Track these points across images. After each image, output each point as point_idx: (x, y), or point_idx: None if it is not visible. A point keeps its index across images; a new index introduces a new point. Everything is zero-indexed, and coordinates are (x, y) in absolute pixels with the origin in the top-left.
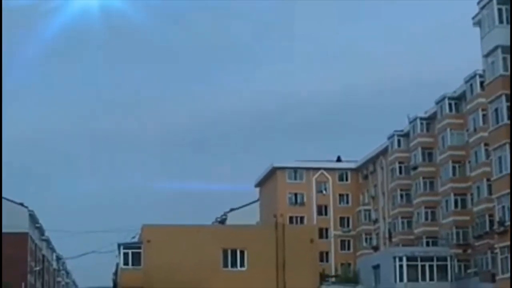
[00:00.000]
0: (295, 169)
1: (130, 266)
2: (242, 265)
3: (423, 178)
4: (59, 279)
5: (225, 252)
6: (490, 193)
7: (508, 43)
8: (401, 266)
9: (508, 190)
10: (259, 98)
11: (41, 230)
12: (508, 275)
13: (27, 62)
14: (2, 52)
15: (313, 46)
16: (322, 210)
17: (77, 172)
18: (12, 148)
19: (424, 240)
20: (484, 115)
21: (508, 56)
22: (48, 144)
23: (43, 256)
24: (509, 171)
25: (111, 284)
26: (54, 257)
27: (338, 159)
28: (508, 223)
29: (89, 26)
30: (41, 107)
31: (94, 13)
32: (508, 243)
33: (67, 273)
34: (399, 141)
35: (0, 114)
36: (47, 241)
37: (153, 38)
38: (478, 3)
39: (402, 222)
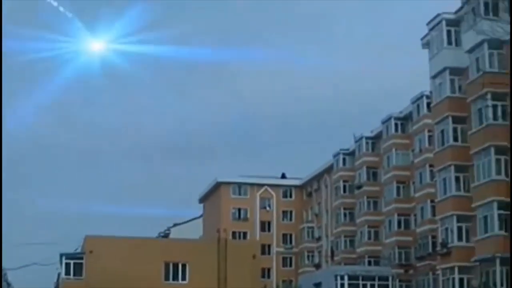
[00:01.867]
0: (240, 184)
1: (71, 277)
2: (183, 278)
3: (367, 197)
4: None
5: (167, 265)
6: (433, 214)
7: (456, 65)
8: (342, 285)
9: (452, 212)
10: (203, 112)
11: None
12: None
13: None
14: (2, 51)
15: (260, 61)
16: (265, 226)
17: (22, 183)
18: None
19: (367, 260)
20: (430, 136)
21: (456, 78)
22: None
23: None
24: (454, 192)
25: None
26: None
27: (283, 176)
28: (451, 244)
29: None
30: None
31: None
32: (451, 264)
33: (8, 284)
34: (344, 159)
35: (0, 114)
36: None
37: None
38: (428, 23)
39: (345, 241)
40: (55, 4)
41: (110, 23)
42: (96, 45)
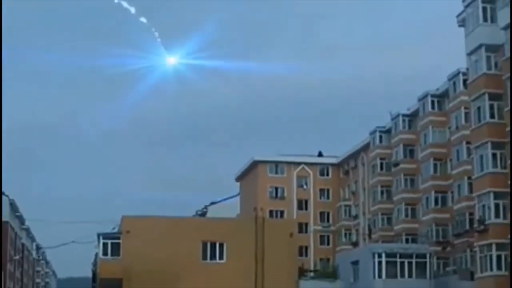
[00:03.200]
0: (276, 163)
1: (109, 257)
2: (221, 257)
3: (404, 175)
4: (38, 268)
5: (204, 244)
6: (471, 191)
7: (492, 42)
8: (380, 263)
9: (489, 189)
10: (242, 94)
11: (21, 219)
12: (487, 273)
13: None
14: (2, 50)
15: (297, 42)
16: (302, 204)
17: (60, 164)
18: None
19: (404, 237)
20: (466, 113)
21: (492, 55)
22: (33, 135)
23: (23, 245)
24: (491, 169)
25: (90, 275)
26: (34, 247)
27: (320, 154)
28: (488, 221)
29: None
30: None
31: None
32: (488, 241)
33: (47, 262)
34: (381, 137)
35: (0, 113)
36: (27, 230)
37: None
38: (463, 1)
39: (382, 219)
40: (145, 21)
41: (182, 40)
42: (170, 60)
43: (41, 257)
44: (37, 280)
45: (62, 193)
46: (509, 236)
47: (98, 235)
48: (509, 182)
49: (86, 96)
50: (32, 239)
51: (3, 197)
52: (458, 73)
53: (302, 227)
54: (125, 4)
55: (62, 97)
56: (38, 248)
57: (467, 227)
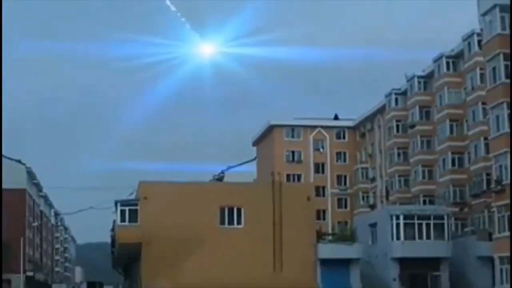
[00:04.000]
0: (293, 127)
1: (127, 223)
2: (239, 222)
3: (421, 136)
4: (57, 234)
5: (222, 209)
6: (487, 152)
7: (506, 2)
8: (398, 225)
9: (506, 149)
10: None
11: (39, 187)
12: (505, 234)
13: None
14: (2, 53)
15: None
16: (319, 168)
17: (74, 132)
18: (12, 106)
19: (421, 199)
20: (482, 74)
21: (506, 15)
22: (48, 106)
23: (41, 212)
24: (507, 129)
25: (109, 240)
26: (52, 213)
27: (336, 117)
28: (505, 182)
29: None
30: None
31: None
32: (505, 202)
33: (66, 228)
34: (396, 99)
35: (0, 113)
36: (45, 197)
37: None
38: None
39: (399, 181)
40: (173, 9)
41: (219, 27)
42: (207, 49)
43: (59, 223)
44: (57, 246)
45: (80, 162)
46: None
47: (116, 202)
48: None
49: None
50: (50, 206)
51: (20, 166)
52: (473, 34)
53: (320, 191)
54: None
55: (87, 79)
56: (56, 214)
57: (484, 187)
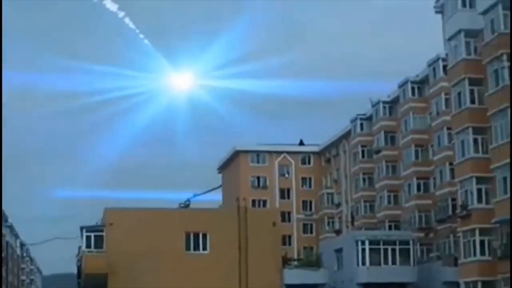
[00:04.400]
0: (258, 153)
1: (93, 249)
2: (204, 248)
3: (386, 161)
4: (23, 265)
5: (187, 235)
6: (452, 177)
7: (471, 27)
8: (363, 250)
9: (471, 174)
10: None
11: (4, 216)
12: (471, 259)
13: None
14: (2, 51)
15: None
16: (284, 193)
17: (39, 160)
18: None
19: (387, 224)
20: (447, 99)
21: (472, 40)
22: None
23: (7, 242)
24: (472, 154)
25: (75, 271)
26: (18, 244)
27: (301, 143)
28: (471, 206)
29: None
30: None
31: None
32: (471, 226)
33: (31, 259)
34: (362, 124)
35: (0, 113)
36: (11, 228)
37: None
38: None
39: (365, 206)
40: (142, 37)
41: (193, 58)
42: (181, 81)
43: (25, 254)
44: (22, 278)
45: (45, 190)
46: (492, 221)
47: (81, 228)
48: (491, 167)
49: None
50: (16, 236)
51: None
52: (438, 59)
53: (285, 216)
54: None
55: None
56: (22, 245)
57: (450, 212)
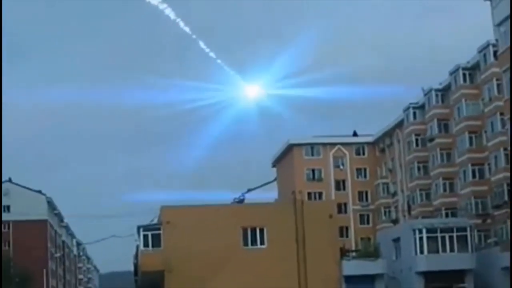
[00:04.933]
0: (312, 145)
1: (150, 248)
2: (262, 242)
3: (440, 149)
4: (80, 264)
5: (244, 230)
6: (507, 162)
7: None
8: (421, 238)
9: None
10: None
11: (60, 217)
12: None
13: None
14: (2, 52)
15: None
16: (340, 185)
17: (94, 158)
18: (28, 138)
19: (443, 212)
20: (498, 85)
21: None
22: (63, 133)
23: (63, 242)
24: None
25: (132, 269)
26: (74, 243)
27: (354, 134)
28: None
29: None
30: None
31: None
32: None
33: (88, 258)
34: (414, 113)
35: (0, 112)
36: (66, 227)
37: None
38: None
39: (421, 194)
40: (207, 50)
41: (262, 68)
42: (251, 91)
43: (82, 254)
44: (80, 276)
45: (100, 189)
46: None
47: (138, 228)
48: None
49: None
50: (72, 235)
51: (41, 196)
52: (488, 45)
53: (341, 208)
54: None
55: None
56: (78, 244)
57: (506, 198)
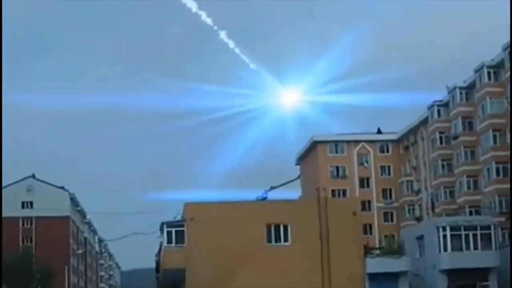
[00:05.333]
0: (336, 142)
1: (173, 245)
2: (286, 240)
3: (464, 147)
4: (101, 261)
5: (268, 227)
6: None
7: None
8: (445, 236)
9: None
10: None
11: (82, 213)
12: None
13: None
14: (2, 50)
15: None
16: (364, 182)
17: (115, 156)
18: (54, 136)
19: (467, 209)
20: None
21: None
22: (84, 130)
23: (85, 239)
24: None
25: (154, 266)
26: (96, 240)
27: (379, 131)
28: None
29: None
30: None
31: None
32: None
33: (110, 255)
34: (439, 111)
35: (0, 111)
36: (89, 224)
37: None
38: None
39: (445, 192)
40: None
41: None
42: (288, 97)
43: (103, 250)
44: (101, 273)
45: (123, 187)
46: None
47: (162, 224)
48: None
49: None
50: (94, 232)
51: (63, 192)
52: None
53: (365, 205)
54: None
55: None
56: (100, 241)
57: None
